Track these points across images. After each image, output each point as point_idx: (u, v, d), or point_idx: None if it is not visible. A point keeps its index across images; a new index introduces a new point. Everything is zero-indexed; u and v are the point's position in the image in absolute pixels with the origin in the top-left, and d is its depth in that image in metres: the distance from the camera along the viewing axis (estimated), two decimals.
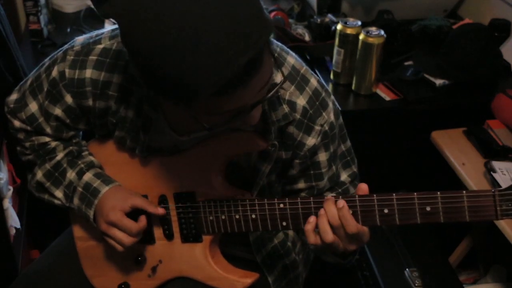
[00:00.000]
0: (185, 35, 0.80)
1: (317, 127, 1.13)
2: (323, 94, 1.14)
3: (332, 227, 1.02)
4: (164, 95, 0.92)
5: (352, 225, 1.01)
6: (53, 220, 1.57)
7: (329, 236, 1.02)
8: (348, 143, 1.24)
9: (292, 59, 1.13)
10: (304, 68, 1.13)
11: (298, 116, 1.11)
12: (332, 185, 1.22)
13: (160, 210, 1.17)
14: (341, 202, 1.02)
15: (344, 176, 1.24)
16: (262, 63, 0.88)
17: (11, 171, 1.77)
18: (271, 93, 0.96)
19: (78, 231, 1.31)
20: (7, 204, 1.64)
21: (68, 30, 2.20)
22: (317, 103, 1.12)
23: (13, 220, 1.69)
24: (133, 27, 0.84)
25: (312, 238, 1.05)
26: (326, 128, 1.14)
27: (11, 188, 1.69)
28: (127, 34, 0.86)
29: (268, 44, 0.90)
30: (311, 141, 1.13)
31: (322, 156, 1.17)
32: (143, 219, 1.17)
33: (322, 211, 1.04)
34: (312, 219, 1.05)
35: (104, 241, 1.24)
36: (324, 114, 1.13)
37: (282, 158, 1.16)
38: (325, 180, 1.20)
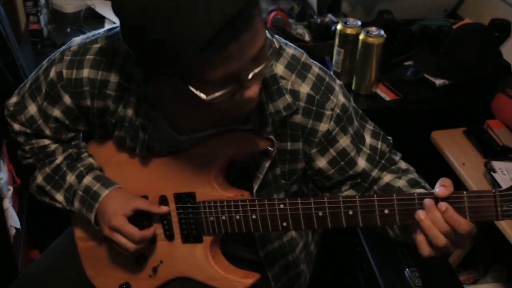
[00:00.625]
0: None
1: (328, 112, 1.11)
2: (327, 78, 1.12)
3: (442, 233, 0.96)
4: (157, 68, 0.91)
5: (464, 224, 0.96)
6: (53, 220, 1.56)
7: (441, 241, 0.96)
8: (371, 122, 1.20)
9: (291, 49, 1.12)
10: (304, 56, 1.12)
11: (302, 104, 1.10)
12: (375, 165, 1.18)
13: (164, 208, 1.18)
14: (443, 205, 0.96)
15: (383, 147, 1.20)
16: (252, 19, 0.86)
17: (11, 171, 1.76)
18: (267, 62, 0.94)
19: (79, 232, 1.31)
20: (7, 204, 1.64)
21: (68, 30, 2.19)
22: (323, 88, 1.11)
23: (13, 220, 1.68)
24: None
25: (427, 250, 0.98)
26: (338, 111, 1.11)
27: (11, 188, 1.69)
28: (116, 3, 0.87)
29: (258, 5, 0.88)
30: (323, 126, 1.11)
31: (344, 141, 1.14)
32: (150, 229, 1.17)
33: (427, 222, 0.97)
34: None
35: (105, 242, 1.24)
36: (332, 97, 1.11)
37: (287, 149, 1.14)
38: (360, 164, 1.16)
